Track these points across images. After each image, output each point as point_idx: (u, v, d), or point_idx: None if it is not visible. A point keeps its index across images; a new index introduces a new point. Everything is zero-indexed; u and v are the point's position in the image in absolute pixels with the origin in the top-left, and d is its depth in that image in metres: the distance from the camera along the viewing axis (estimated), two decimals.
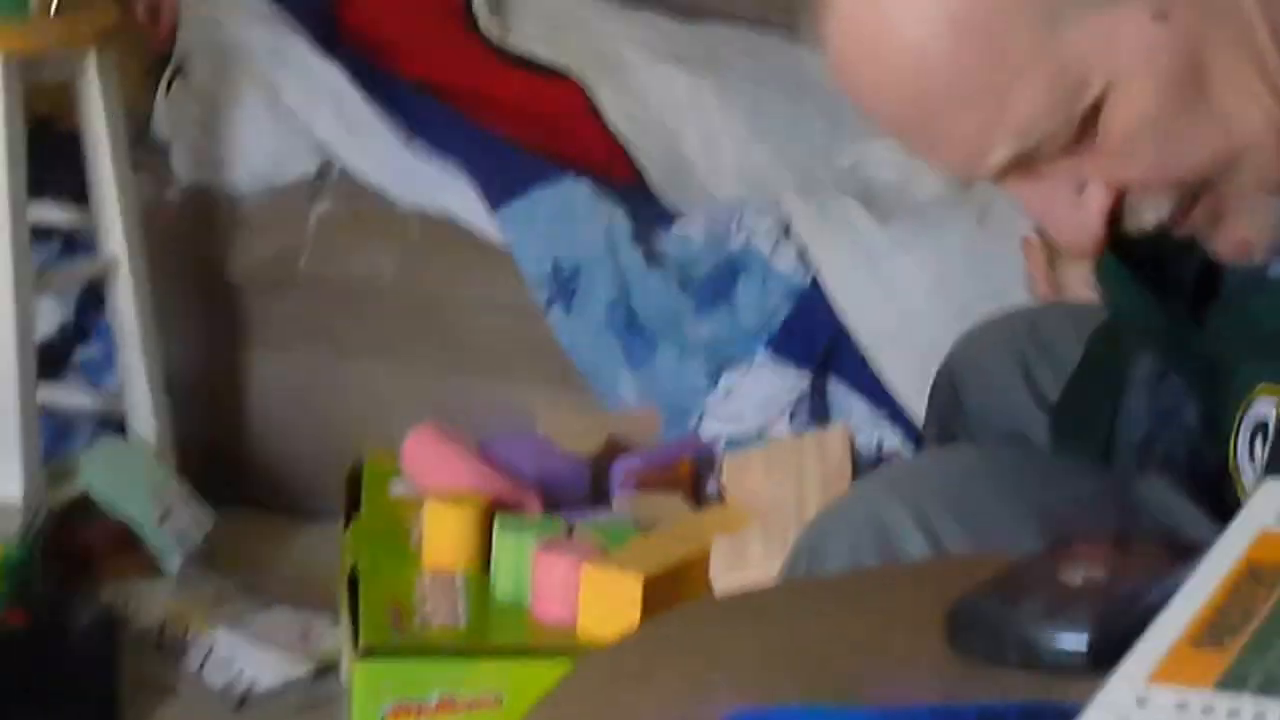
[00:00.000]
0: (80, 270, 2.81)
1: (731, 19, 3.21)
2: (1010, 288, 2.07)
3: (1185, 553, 0.95)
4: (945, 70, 1.11)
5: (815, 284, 2.64)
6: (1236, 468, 1.26)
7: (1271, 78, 1.12)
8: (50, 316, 2.87)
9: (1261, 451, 1.23)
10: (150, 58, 3.11)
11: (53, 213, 2.79)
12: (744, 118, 2.95)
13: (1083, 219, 1.17)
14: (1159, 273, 1.28)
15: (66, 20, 2.56)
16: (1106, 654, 0.87)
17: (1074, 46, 1.09)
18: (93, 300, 2.86)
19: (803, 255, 2.66)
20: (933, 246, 2.58)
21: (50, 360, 2.83)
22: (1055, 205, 1.17)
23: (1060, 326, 1.65)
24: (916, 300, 2.56)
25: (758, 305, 2.64)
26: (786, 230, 2.68)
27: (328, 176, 2.94)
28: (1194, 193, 1.16)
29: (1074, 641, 0.91)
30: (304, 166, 2.93)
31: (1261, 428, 1.23)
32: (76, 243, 2.87)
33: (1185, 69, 1.11)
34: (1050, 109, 1.11)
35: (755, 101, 2.97)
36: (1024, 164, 1.14)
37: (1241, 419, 1.25)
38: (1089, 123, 1.12)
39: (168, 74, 3.06)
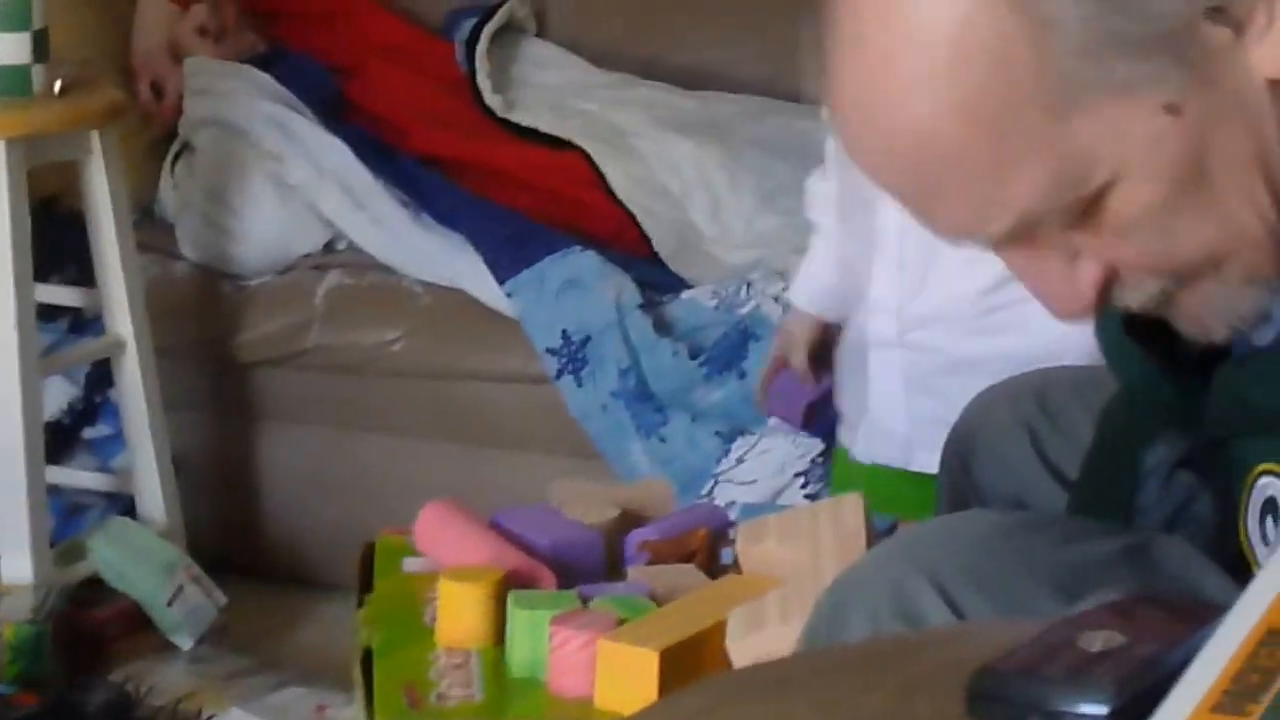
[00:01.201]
0: (87, 350, 2.80)
1: (737, 88, 3.22)
2: None
3: (1205, 614, 0.94)
4: (950, 151, 1.11)
5: None
6: (1250, 549, 1.25)
7: (1274, 178, 1.12)
8: (58, 396, 2.87)
9: (1275, 530, 1.22)
10: (155, 136, 3.12)
11: (59, 293, 2.80)
12: (751, 185, 2.96)
13: (1074, 289, 1.17)
14: (1166, 337, 1.27)
15: (71, 101, 2.57)
16: None
17: (1082, 136, 1.09)
18: (101, 379, 2.86)
19: None
20: None
21: (59, 440, 2.83)
22: (1048, 275, 1.17)
23: (1067, 394, 1.65)
24: None
25: None
26: None
27: (335, 252, 2.94)
28: (1182, 279, 1.16)
29: (1095, 709, 0.90)
30: (311, 242, 2.94)
31: (1270, 506, 1.22)
32: (84, 322, 2.87)
33: (1191, 164, 1.11)
34: (1053, 194, 1.11)
35: (762, 169, 2.98)
36: (1022, 236, 1.14)
37: (1248, 500, 1.24)
38: (1090, 206, 1.12)
39: (172, 152, 3.07)
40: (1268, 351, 1.21)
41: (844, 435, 2.21)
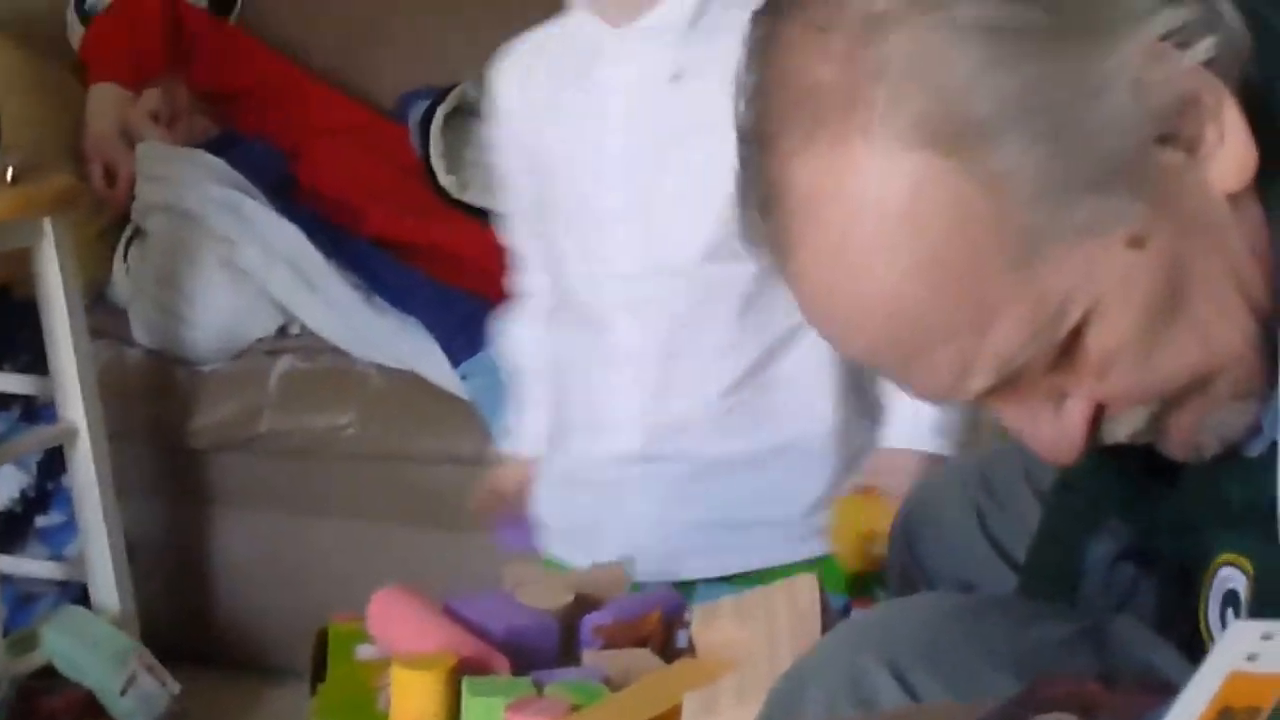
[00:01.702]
0: (40, 437, 2.79)
1: None
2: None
3: (1159, 692, 0.94)
4: (919, 315, 1.09)
5: None
6: (1210, 637, 1.24)
7: (1248, 290, 1.12)
8: (10, 484, 2.86)
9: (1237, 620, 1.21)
10: (107, 221, 3.12)
11: (11, 381, 2.79)
12: None
13: (1062, 432, 1.16)
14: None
15: (23, 187, 2.56)
16: None
17: (1051, 280, 1.08)
18: (53, 466, 2.85)
19: None
20: None
21: (11, 529, 2.82)
22: (1036, 421, 1.16)
23: (1013, 475, 1.64)
24: None
25: None
26: None
27: (288, 336, 2.94)
28: (1170, 404, 1.16)
29: None
30: (264, 327, 2.93)
31: (1232, 598, 1.21)
32: (36, 409, 2.86)
33: (1164, 290, 1.10)
34: (1029, 340, 1.10)
35: None
36: (1004, 387, 1.13)
37: (1209, 589, 1.23)
38: (1069, 345, 1.11)
39: (125, 237, 3.07)
40: (1248, 458, 1.19)
41: (562, 550, 2.11)
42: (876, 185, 1.07)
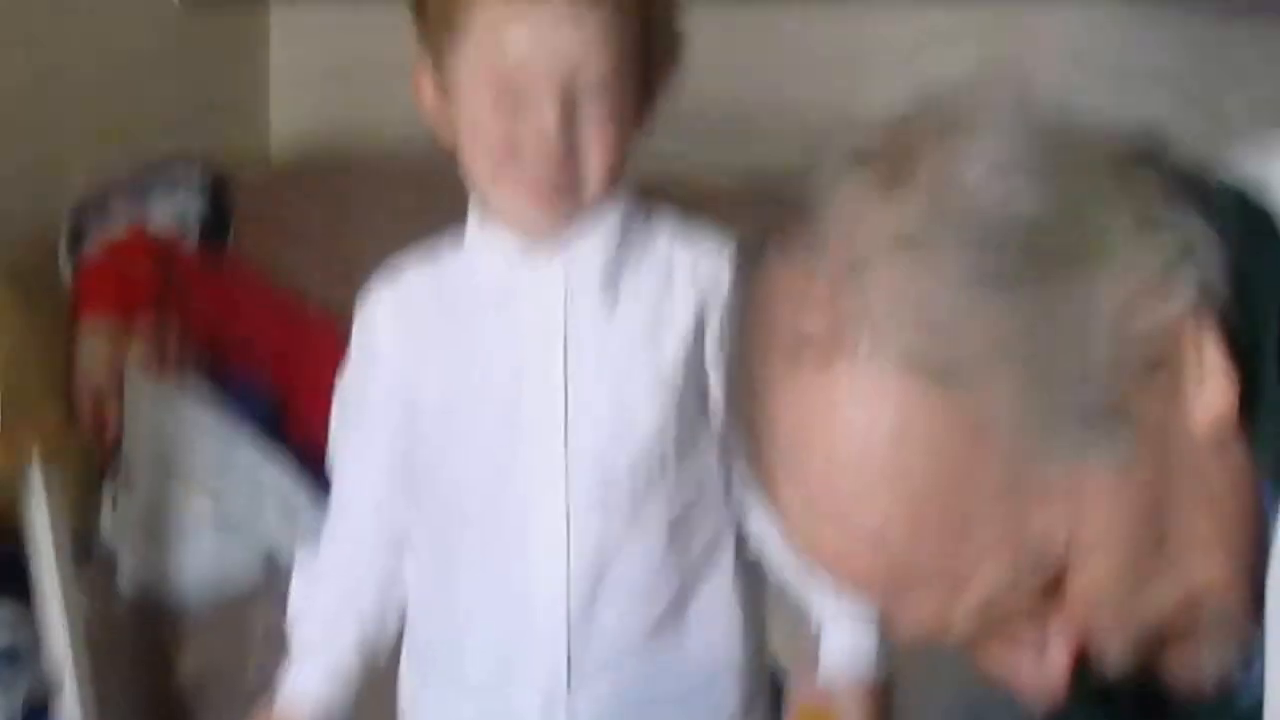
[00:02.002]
0: (24, 684, 2.76)
1: None
2: None
3: None
4: (905, 552, 1.10)
5: None
6: None
7: (1230, 529, 1.12)
8: None
9: None
10: (96, 465, 3.11)
11: None
12: None
13: (1046, 671, 1.16)
14: (1100, 679, 1.24)
15: (10, 434, 2.57)
16: None
17: (1036, 516, 1.09)
18: (37, 713, 2.82)
19: None
20: None
21: None
22: (1018, 665, 1.16)
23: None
24: None
25: None
26: None
27: (275, 580, 2.92)
28: (1154, 641, 1.15)
29: None
30: (250, 571, 2.92)
31: None
32: (20, 655, 2.83)
33: (1147, 527, 1.10)
34: (1014, 579, 1.10)
35: None
36: (989, 628, 1.13)
37: None
38: (1053, 582, 1.11)
39: (113, 480, 3.06)
40: (1236, 704, 1.19)
41: None
42: (861, 423, 1.09)
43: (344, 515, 1.94)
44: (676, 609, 1.85)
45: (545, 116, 1.70)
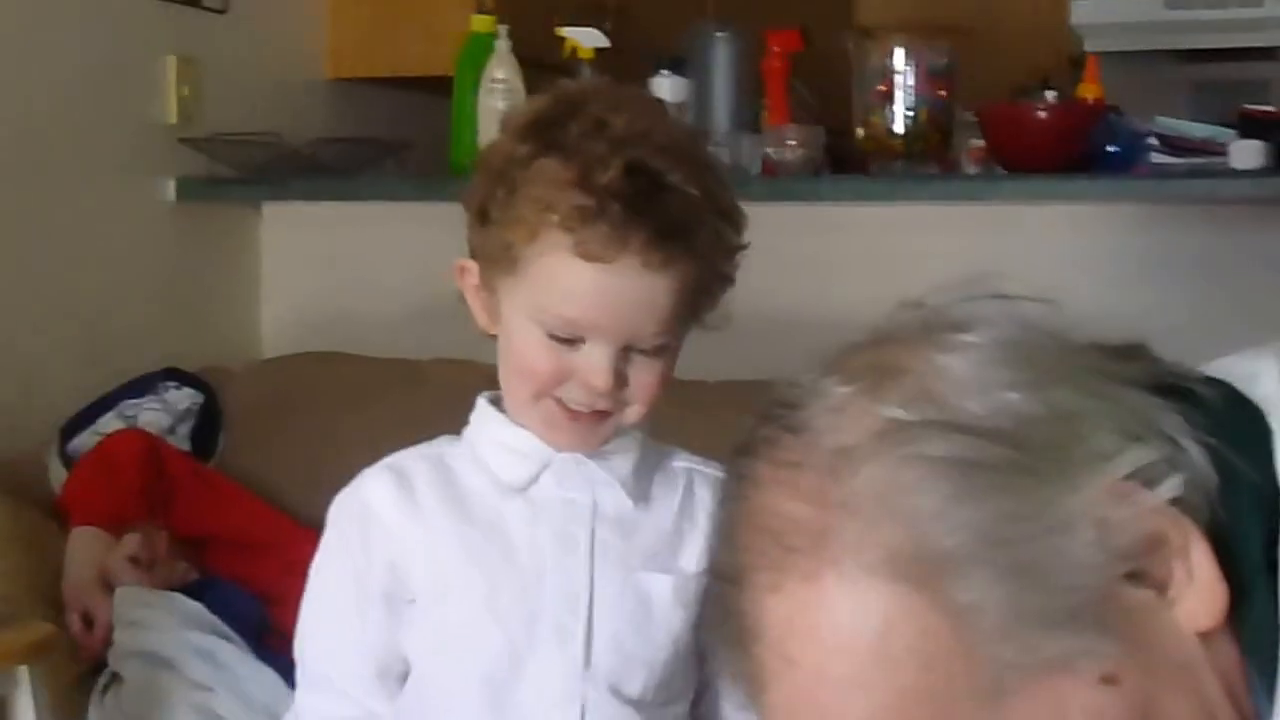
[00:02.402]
0: None
1: None
2: None
3: None
4: None
5: None
6: None
7: None
8: None
9: None
10: (84, 667, 3.09)
11: None
12: None
13: None
14: None
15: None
16: None
17: (1021, 716, 1.07)
18: None
19: None
20: None
21: None
22: None
23: None
24: None
25: None
26: None
27: None
28: None
29: None
30: None
31: None
32: None
33: None
34: None
35: None
36: None
37: None
38: None
39: (101, 683, 3.04)
40: None
41: None
42: (848, 623, 1.08)
43: (328, 698, 1.87)
44: None
45: (598, 364, 1.71)
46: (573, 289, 1.68)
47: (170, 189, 4.01)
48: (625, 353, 1.72)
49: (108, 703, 3.01)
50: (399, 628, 1.82)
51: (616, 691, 1.78)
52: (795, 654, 1.10)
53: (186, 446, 3.63)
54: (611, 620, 1.78)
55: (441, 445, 1.85)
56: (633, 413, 1.76)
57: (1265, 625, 1.11)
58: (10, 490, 3.25)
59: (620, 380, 1.72)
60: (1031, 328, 1.14)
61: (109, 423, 3.58)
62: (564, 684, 1.77)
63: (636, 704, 1.79)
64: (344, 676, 1.85)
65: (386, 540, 1.81)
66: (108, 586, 3.16)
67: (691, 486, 1.84)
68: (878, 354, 1.14)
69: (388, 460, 1.86)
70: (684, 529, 1.81)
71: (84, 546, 3.21)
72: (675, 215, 1.69)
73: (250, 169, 4.08)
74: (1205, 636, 1.11)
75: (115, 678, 3.03)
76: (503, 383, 1.78)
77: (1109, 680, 1.08)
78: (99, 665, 3.08)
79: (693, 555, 1.80)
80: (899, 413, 1.10)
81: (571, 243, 1.67)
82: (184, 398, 3.71)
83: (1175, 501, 1.10)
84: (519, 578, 1.78)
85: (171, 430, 3.64)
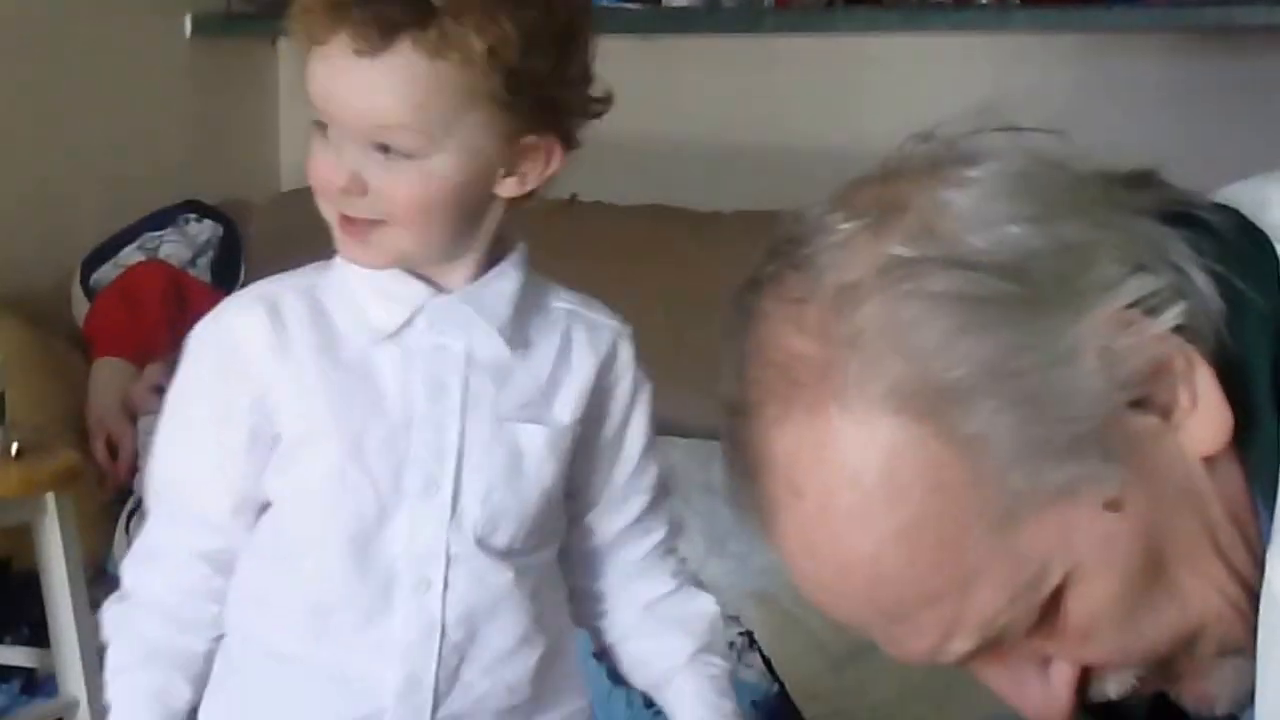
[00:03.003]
0: (40, 711, 2.78)
1: (685, 433, 3.25)
2: None
3: None
4: (901, 578, 1.10)
5: (783, 692, 2.64)
6: None
7: (1226, 554, 1.12)
8: None
9: None
10: (110, 495, 3.14)
11: (12, 654, 2.79)
12: (700, 530, 2.98)
13: (1049, 695, 1.16)
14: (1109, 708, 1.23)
15: (27, 464, 2.59)
16: None
17: (1030, 544, 1.09)
18: None
19: (769, 664, 2.66)
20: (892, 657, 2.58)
21: None
22: (1022, 685, 1.16)
23: None
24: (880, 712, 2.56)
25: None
26: (751, 640, 2.69)
27: None
28: (1155, 666, 1.15)
29: None
30: None
31: None
32: (36, 683, 2.85)
33: (1143, 554, 1.10)
34: (1010, 602, 1.10)
35: (710, 513, 3.00)
36: (987, 649, 1.13)
37: None
38: (1051, 607, 1.11)
39: (127, 510, 3.09)
40: None
41: None
42: (854, 453, 1.09)
43: (188, 529, 1.78)
44: (537, 680, 1.80)
45: (326, 155, 1.65)
46: (311, 76, 1.65)
47: (187, 24, 4.01)
48: (380, 153, 1.62)
49: (133, 528, 3.05)
50: (261, 467, 1.73)
51: (483, 543, 1.73)
52: (802, 485, 1.11)
53: (207, 278, 3.66)
54: (481, 472, 1.72)
55: (313, 275, 1.77)
56: (402, 218, 1.65)
57: (1270, 451, 1.12)
58: (37, 322, 3.29)
59: (357, 182, 1.64)
60: (1039, 159, 1.14)
61: (130, 255, 3.61)
62: (430, 536, 1.72)
63: (504, 554, 1.75)
64: (204, 508, 1.76)
65: (254, 376, 1.72)
66: (132, 416, 3.21)
67: (570, 332, 1.78)
68: (883, 190, 1.15)
69: (257, 290, 1.77)
70: (560, 377, 1.76)
71: (108, 376, 3.26)
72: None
73: (266, 3, 4.07)
74: (1210, 462, 1.12)
75: (141, 504, 3.07)
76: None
77: (1114, 505, 1.09)
78: (125, 493, 3.13)
79: (567, 405, 1.76)
80: (901, 249, 1.10)
81: (298, 17, 1.63)
82: (204, 230, 3.74)
83: (1180, 329, 1.10)
84: (388, 426, 1.71)
85: (192, 262, 3.67)
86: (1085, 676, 1.16)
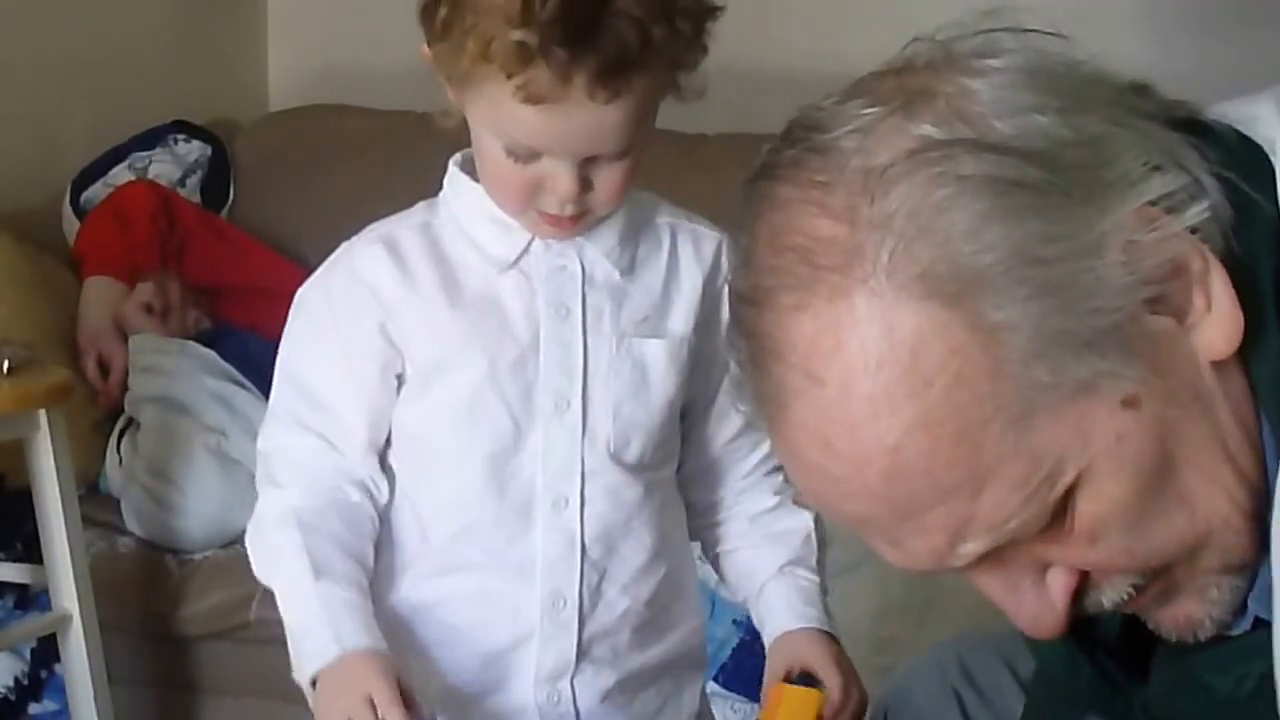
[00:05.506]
0: (33, 626, 2.81)
1: None
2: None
3: None
4: (919, 468, 1.08)
5: None
6: None
7: (1234, 459, 1.12)
8: (4, 672, 2.88)
9: None
10: (101, 413, 3.15)
11: (5, 570, 2.81)
12: None
13: (1045, 603, 1.16)
14: (1085, 622, 1.24)
15: (18, 381, 2.60)
16: None
17: (1047, 439, 1.07)
18: (47, 654, 2.87)
19: None
20: (875, 574, 2.60)
21: (4, 716, 2.82)
22: (1018, 592, 1.15)
23: (992, 662, 1.65)
24: (861, 626, 2.58)
25: (707, 636, 2.65)
26: None
27: None
28: (1156, 574, 1.15)
29: None
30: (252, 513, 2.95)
31: None
32: (30, 598, 2.88)
33: (1155, 455, 1.09)
34: (1024, 502, 1.09)
35: None
36: (992, 554, 1.12)
37: None
38: (1060, 510, 1.10)
39: (118, 428, 3.10)
40: (1229, 638, 1.19)
41: None
42: (878, 339, 1.07)
43: (332, 422, 1.80)
44: (666, 596, 1.84)
45: (560, 177, 1.67)
46: (521, 121, 1.64)
47: None
48: (589, 161, 1.68)
49: (124, 446, 3.07)
50: (392, 399, 1.78)
51: (616, 457, 1.78)
52: (821, 372, 1.09)
53: (197, 198, 3.67)
54: (609, 388, 1.78)
55: (424, 213, 1.81)
56: (605, 208, 1.74)
57: (1274, 357, 1.12)
58: (28, 241, 3.29)
59: (587, 185, 1.69)
60: (1053, 59, 1.13)
61: (120, 174, 3.62)
62: (565, 453, 1.77)
63: (634, 468, 1.79)
64: (343, 438, 1.79)
65: (383, 312, 1.76)
66: (122, 334, 3.21)
67: (676, 245, 1.82)
68: (902, 79, 1.13)
69: (376, 231, 1.80)
70: (671, 290, 1.81)
71: (98, 295, 3.27)
72: (621, 44, 1.61)
73: None
74: (1219, 368, 1.11)
75: (132, 422, 3.09)
76: (482, 181, 1.74)
77: (1130, 403, 1.08)
78: (116, 410, 3.14)
79: (681, 317, 1.81)
80: (932, 131, 1.08)
81: (512, 87, 1.62)
82: (193, 150, 3.75)
83: (1195, 230, 1.10)
84: (517, 349, 1.76)
85: (181, 182, 3.68)
86: (1081, 587, 1.15)
